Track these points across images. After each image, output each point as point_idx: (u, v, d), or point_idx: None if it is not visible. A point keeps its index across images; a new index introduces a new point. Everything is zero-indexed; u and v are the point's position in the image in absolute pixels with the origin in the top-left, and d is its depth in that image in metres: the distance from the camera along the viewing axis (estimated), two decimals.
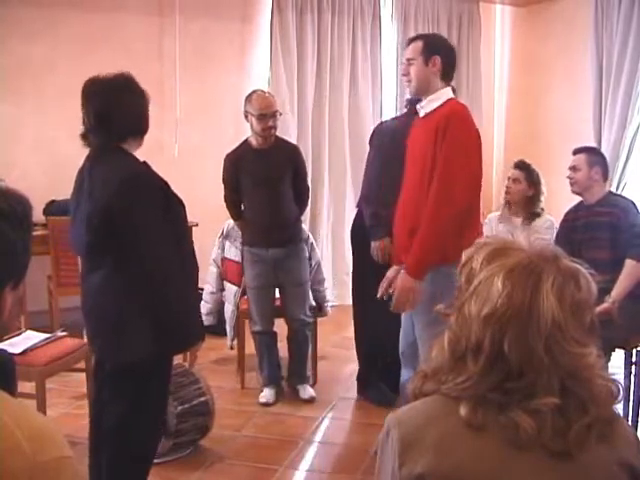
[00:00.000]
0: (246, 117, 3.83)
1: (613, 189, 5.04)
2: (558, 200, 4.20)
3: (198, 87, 5.76)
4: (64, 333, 3.59)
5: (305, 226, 4.42)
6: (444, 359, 1.20)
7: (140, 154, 2.44)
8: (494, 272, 1.16)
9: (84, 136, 2.41)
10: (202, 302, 4.33)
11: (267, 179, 3.85)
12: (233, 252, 4.22)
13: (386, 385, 3.86)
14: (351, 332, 4.15)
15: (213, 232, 4.42)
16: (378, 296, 2.91)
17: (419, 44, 2.83)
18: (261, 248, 3.92)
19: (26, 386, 3.11)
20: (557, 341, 1.12)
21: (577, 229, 3.61)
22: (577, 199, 3.72)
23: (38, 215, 4.68)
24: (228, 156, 3.95)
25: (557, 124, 6.29)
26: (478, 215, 2.90)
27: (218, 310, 4.44)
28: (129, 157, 2.39)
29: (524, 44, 6.82)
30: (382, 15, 6.28)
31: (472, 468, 1.12)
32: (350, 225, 4.13)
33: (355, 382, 4.10)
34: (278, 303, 4.08)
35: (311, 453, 3.44)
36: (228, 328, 4.34)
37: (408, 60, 2.85)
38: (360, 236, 3.85)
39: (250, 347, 4.16)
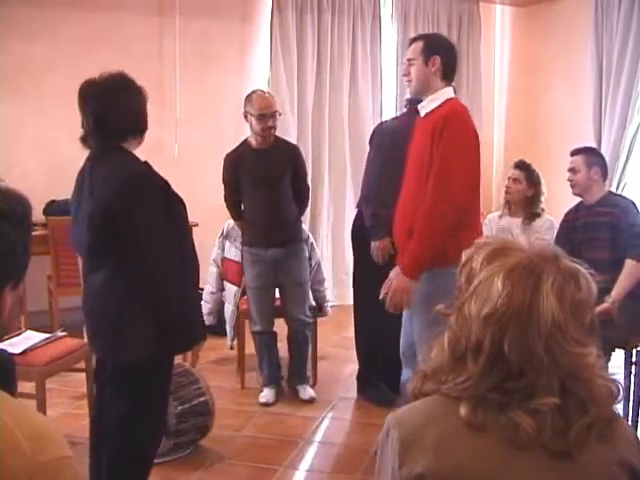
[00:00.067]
0: (246, 117, 3.83)
1: (613, 189, 5.04)
2: (558, 200, 4.20)
3: (198, 87, 5.76)
4: (64, 333, 3.59)
5: (305, 226, 4.41)
6: (444, 359, 1.20)
7: (140, 154, 2.44)
8: (494, 272, 1.16)
9: (84, 139, 2.41)
10: (202, 302, 4.32)
11: (267, 179, 3.85)
12: (233, 252, 4.22)
13: (386, 385, 3.86)
14: (351, 332, 4.16)
15: (213, 232, 4.42)
16: (380, 297, 2.90)
17: (420, 44, 2.83)
18: (261, 248, 3.92)
19: (26, 386, 3.10)
20: (557, 341, 1.12)
21: (577, 229, 3.61)
22: (577, 199, 3.73)
23: (38, 215, 4.69)
24: (228, 156, 3.94)
25: (557, 124, 6.29)
26: (478, 216, 2.90)
27: (218, 310, 4.44)
28: (130, 156, 2.39)
29: (524, 44, 6.82)
30: (382, 15, 6.27)
31: (472, 468, 1.12)
32: (350, 225, 4.14)
33: (355, 382, 4.10)
34: (278, 303, 4.08)
35: (311, 453, 3.44)
36: (228, 328, 4.34)
37: (409, 60, 2.85)
38: (360, 236, 3.85)
39: (250, 347, 4.16)
